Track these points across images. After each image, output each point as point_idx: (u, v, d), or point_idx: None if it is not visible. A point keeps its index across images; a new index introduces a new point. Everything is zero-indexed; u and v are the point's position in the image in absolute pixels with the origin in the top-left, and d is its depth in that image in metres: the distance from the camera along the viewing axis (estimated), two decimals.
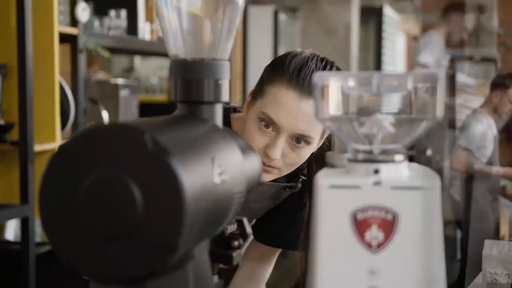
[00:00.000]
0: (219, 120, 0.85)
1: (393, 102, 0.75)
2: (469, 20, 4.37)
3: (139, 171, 0.63)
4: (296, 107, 1.23)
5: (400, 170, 0.72)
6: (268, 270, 1.54)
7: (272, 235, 1.51)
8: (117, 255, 0.64)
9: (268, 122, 1.26)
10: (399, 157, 0.73)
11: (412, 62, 4.38)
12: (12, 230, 2.66)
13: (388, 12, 7.52)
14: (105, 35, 2.96)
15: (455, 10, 4.29)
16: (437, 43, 4.23)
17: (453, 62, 4.47)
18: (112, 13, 3.04)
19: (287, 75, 1.25)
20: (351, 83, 0.73)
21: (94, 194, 0.64)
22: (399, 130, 0.73)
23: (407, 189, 0.69)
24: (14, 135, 2.44)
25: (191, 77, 0.83)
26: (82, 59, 2.72)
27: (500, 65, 9.42)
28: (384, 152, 0.73)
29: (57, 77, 2.52)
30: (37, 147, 2.44)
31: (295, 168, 1.32)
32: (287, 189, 1.44)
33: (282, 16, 5.23)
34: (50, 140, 2.53)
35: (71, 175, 0.65)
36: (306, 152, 1.29)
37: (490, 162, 4.12)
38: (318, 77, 0.73)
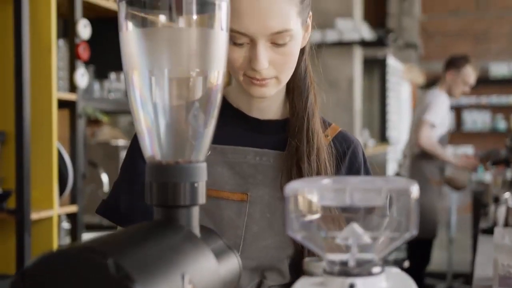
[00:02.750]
0: (195, 223, 0.83)
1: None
2: (470, 72, 4.39)
3: None
4: (257, 7, 1.10)
5: (377, 284, 0.70)
6: None
7: None
8: None
9: (237, 38, 1.12)
10: (376, 269, 0.70)
11: (416, 118, 4.39)
12: None
13: (392, 62, 7.57)
14: (104, 99, 2.97)
15: (451, 67, 4.35)
16: (442, 103, 4.28)
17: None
18: (112, 75, 3.06)
19: None
20: (325, 194, 0.71)
21: None
22: (375, 241, 0.71)
23: None
24: (11, 203, 2.42)
25: (167, 181, 0.81)
26: (81, 124, 2.72)
27: (421, 51, 9.50)
28: (360, 264, 0.71)
29: (55, 144, 2.52)
30: (34, 215, 2.42)
31: (292, 70, 1.18)
32: None
33: None
34: (47, 207, 2.51)
35: None
36: (293, 47, 1.16)
37: (441, 142, 4.30)
38: (290, 188, 0.71)
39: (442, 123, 4.28)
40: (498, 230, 1.96)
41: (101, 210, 1.28)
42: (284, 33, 1.12)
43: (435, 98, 4.29)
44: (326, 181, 0.75)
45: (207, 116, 0.85)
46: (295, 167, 1.21)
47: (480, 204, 4.90)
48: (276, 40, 1.13)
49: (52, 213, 2.52)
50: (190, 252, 0.75)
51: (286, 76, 1.19)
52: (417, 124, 4.30)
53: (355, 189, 0.71)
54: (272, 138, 1.26)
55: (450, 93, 4.35)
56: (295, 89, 1.26)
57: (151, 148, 0.84)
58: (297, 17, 1.15)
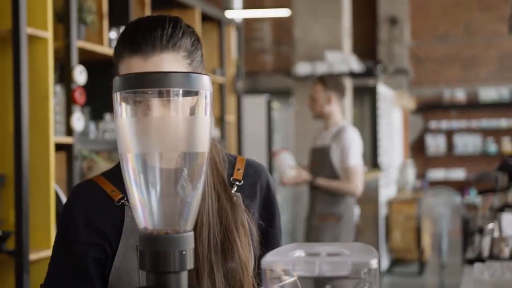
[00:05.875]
0: (184, 287, 0.93)
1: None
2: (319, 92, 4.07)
3: None
4: (146, 69, 1.22)
5: None
6: None
7: None
8: None
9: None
10: None
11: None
12: None
13: (382, 89, 7.70)
14: (100, 140, 3.08)
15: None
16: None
17: None
18: (108, 116, 3.17)
19: (126, 45, 1.24)
20: (297, 266, 0.81)
21: None
22: None
23: None
24: (10, 244, 2.51)
25: (158, 250, 0.91)
26: (77, 166, 2.83)
27: (412, 77, 9.47)
28: None
29: (53, 186, 2.62)
30: (33, 256, 2.51)
31: None
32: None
33: (275, 104, 5.38)
34: (46, 247, 2.60)
35: None
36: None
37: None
38: (266, 261, 0.81)
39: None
40: (478, 266, 2.05)
41: None
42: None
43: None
44: (298, 253, 0.85)
45: (193, 187, 0.95)
46: None
47: (468, 229, 4.97)
48: None
49: (50, 253, 2.60)
50: None
51: None
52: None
53: (324, 262, 0.81)
54: None
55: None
56: None
57: (143, 220, 0.94)
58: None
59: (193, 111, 0.93)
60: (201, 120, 0.93)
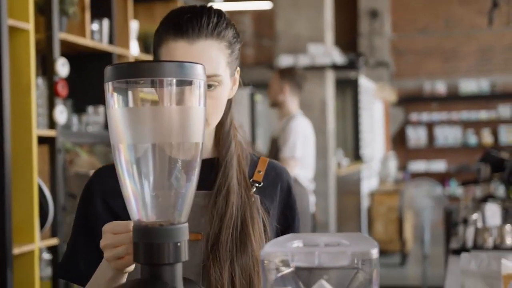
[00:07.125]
0: (179, 278, 0.92)
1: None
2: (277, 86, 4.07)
3: None
4: (190, 52, 1.22)
5: None
6: None
7: None
8: None
9: None
10: None
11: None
12: None
13: (364, 82, 7.72)
14: (83, 132, 3.05)
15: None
16: None
17: None
18: (90, 109, 3.13)
19: (171, 29, 1.24)
20: (296, 257, 0.80)
21: None
22: None
23: None
24: None
25: (152, 241, 0.90)
26: (60, 159, 2.79)
27: (393, 69, 9.44)
28: None
29: (36, 180, 2.59)
30: (16, 250, 2.48)
31: (221, 114, 1.29)
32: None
33: (258, 97, 5.37)
34: (29, 242, 2.57)
35: None
36: (221, 92, 1.26)
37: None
38: (265, 252, 0.80)
39: None
40: (464, 256, 2.04)
41: (64, 274, 1.32)
42: (213, 78, 1.24)
43: None
44: (296, 243, 0.84)
45: (188, 179, 0.94)
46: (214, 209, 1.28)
47: (451, 220, 4.99)
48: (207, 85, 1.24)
49: (33, 247, 2.58)
50: None
51: (214, 120, 1.28)
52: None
53: (323, 252, 0.80)
54: (209, 178, 1.32)
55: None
56: (221, 139, 1.34)
57: (137, 212, 0.92)
58: (226, 66, 1.27)
59: (186, 102, 0.91)
60: (195, 110, 0.91)
